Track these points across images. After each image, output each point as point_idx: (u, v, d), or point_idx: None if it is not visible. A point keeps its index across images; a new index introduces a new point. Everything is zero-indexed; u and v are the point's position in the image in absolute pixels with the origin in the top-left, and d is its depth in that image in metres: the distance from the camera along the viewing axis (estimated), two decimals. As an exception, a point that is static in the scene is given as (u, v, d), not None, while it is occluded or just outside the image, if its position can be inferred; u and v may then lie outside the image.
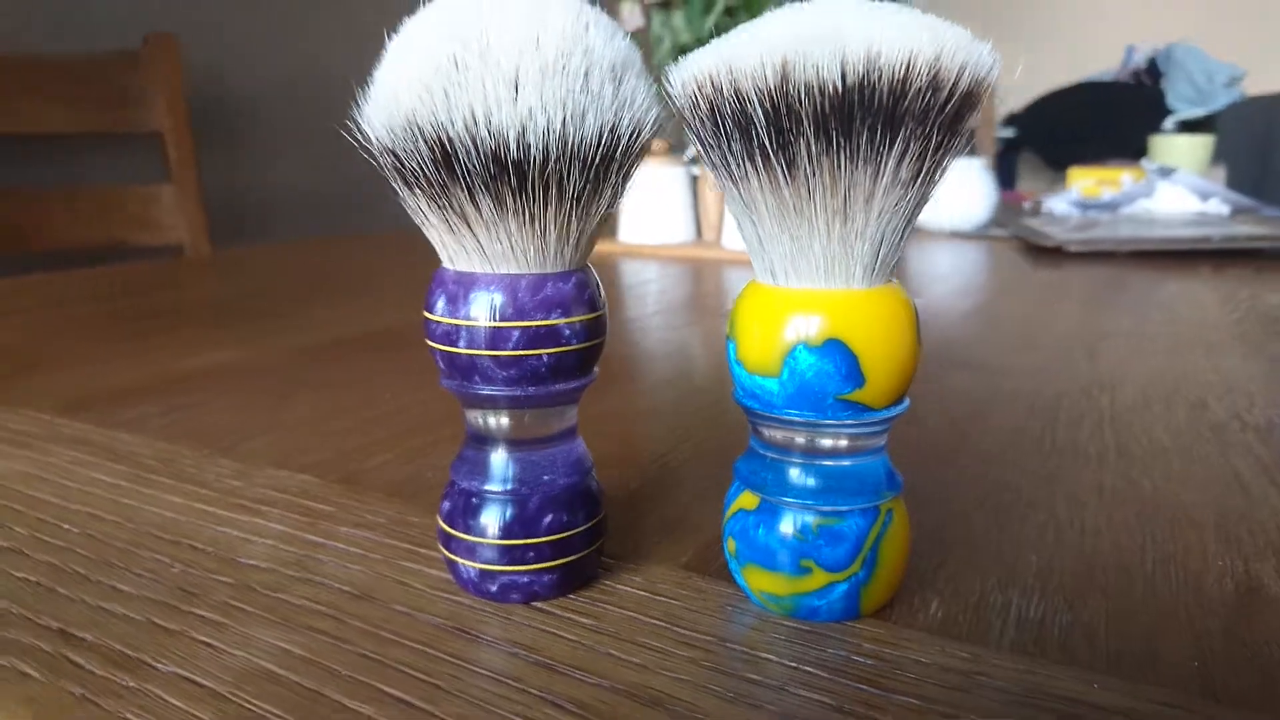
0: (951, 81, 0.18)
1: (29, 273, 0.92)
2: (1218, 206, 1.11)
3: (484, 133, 0.19)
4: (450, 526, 0.23)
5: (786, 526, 0.22)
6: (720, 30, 0.76)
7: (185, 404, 0.42)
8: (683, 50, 1.05)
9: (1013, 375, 0.46)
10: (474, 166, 0.19)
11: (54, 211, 1.26)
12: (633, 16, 1.10)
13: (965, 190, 1.10)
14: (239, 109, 1.64)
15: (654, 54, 1.11)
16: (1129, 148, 1.68)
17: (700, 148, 0.21)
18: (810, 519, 0.22)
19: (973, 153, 2.01)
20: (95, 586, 0.24)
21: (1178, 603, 0.23)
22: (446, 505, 0.23)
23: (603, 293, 0.23)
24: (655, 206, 0.99)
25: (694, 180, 1.01)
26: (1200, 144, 1.33)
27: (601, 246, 1.01)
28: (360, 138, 0.21)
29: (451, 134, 0.19)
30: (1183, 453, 0.34)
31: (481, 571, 0.23)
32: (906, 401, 0.22)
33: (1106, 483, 0.31)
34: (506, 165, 0.19)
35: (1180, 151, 1.32)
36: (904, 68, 0.18)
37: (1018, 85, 2.51)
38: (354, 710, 0.19)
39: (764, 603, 0.23)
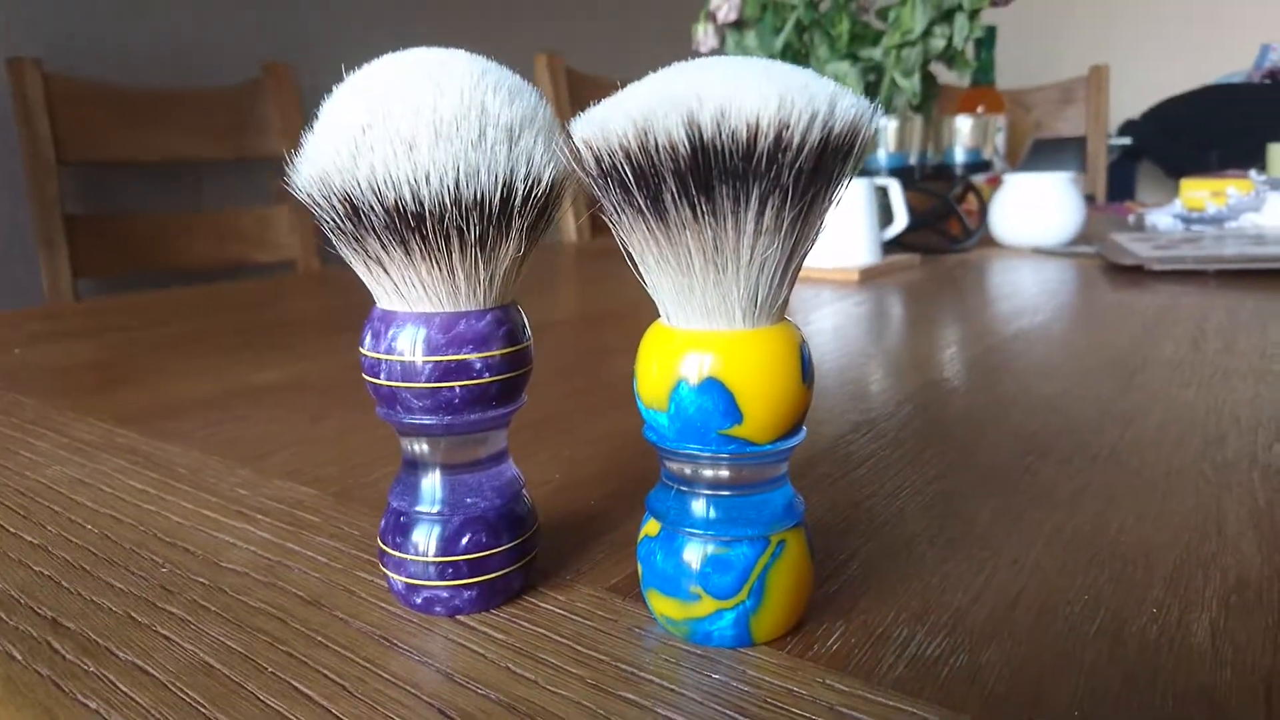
0: (798, 139, 0.19)
1: (161, 288, 1.02)
2: (1337, 220, 1.03)
3: (384, 189, 0.21)
4: (384, 543, 0.25)
5: (679, 553, 0.23)
6: (791, 49, 0.77)
7: (231, 418, 0.46)
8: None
9: (1027, 403, 0.45)
10: (378, 220, 0.21)
11: (183, 232, 1.37)
12: (708, 38, 1.12)
13: (1048, 205, 1.06)
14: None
15: (727, 74, 1.12)
16: (1258, 156, 1.57)
17: (600, 199, 0.23)
18: (701, 547, 0.23)
19: (1082, 166, 1.92)
20: (94, 582, 0.28)
21: (1087, 649, 0.23)
22: (383, 522, 0.26)
23: (527, 328, 0.25)
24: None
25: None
26: (1326, 151, 1.23)
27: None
28: (293, 191, 0.23)
29: (357, 190, 0.21)
30: (1171, 492, 0.33)
31: (408, 585, 0.25)
32: (802, 434, 0.23)
33: (1072, 522, 0.30)
34: (407, 218, 0.21)
35: (1302, 160, 1.22)
36: (748, 127, 0.19)
37: (1138, 90, 2.38)
38: (265, 703, 0.21)
39: (665, 626, 0.24)
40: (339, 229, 0.22)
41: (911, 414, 0.44)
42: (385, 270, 0.23)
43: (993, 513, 0.31)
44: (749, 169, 0.19)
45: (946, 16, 1.04)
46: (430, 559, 0.24)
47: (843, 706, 0.20)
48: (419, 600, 0.25)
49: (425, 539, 0.24)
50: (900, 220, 0.99)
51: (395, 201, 0.21)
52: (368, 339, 0.24)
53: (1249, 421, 0.41)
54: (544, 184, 0.22)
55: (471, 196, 0.21)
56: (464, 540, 0.24)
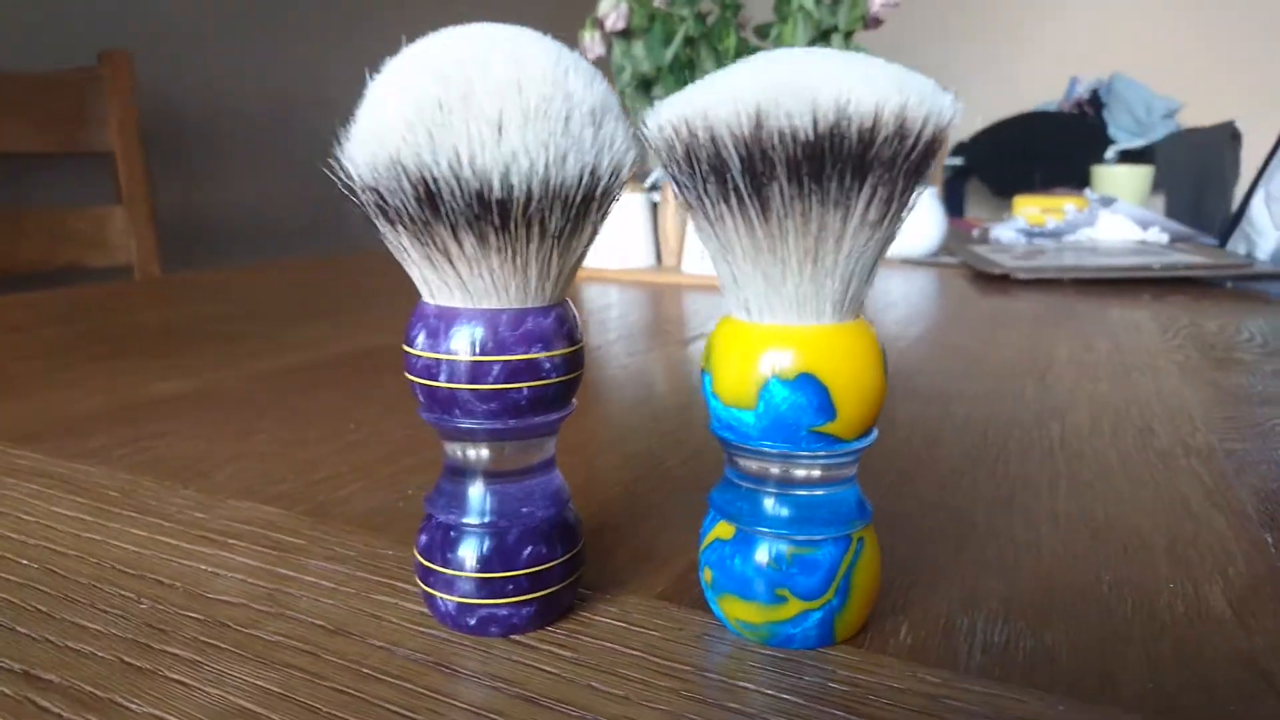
0: (917, 130, 0.19)
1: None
2: (1157, 235, 1.16)
3: (468, 173, 0.19)
4: (428, 560, 0.23)
5: (762, 556, 0.22)
6: (679, 61, 0.77)
7: (147, 434, 0.41)
8: (644, 80, 1.05)
9: (964, 402, 0.47)
10: (457, 206, 0.20)
11: (2, 232, 1.22)
12: (594, 45, 1.12)
13: (916, 218, 1.13)
14: (194, 129, 1.62)
15: (615, 82, 1.12)
16: (1073, 177, 1.74)
17: (677, 188, 0.22)
18: (785, 548, 0.22)
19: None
20: (59, 624, 0.24)
21: (1132, 625, 0.24)
22: (424, 539, 0.24)
23: (580, 326, 0.24)
24: (616, 231, 1.00)
25: (654, 206, 1.02)
26: (1140, 174, 1.38)
27: (562, 271, 1.01)
28: (342, 174, 0.21)
29: (436, 174, 0.19)
30: (1132, 478, 0.35)
31: (460, 605, 0.23)
32: (875, 433, 0.23)
33: (1060, 509, 0.32)
34: (490, 205, 0.20)
35: (1121, 181, 1.37)
36: (872, 118, 0.19)
37: (968, 114, 2.58)
38: (334, 747, 0.19)
39: (740, 631, 0.23)
40: (404, 217, 0.20)
41: (865, 413, 0.45)
42: (451, 262, 0.21)
43: (984, 502, 0.33)
44: (867, 160, 0.19)
45: (824, 36, 1.09)
46: (489, 575, 0.22)
47: (946, 698, 0.21)
48: (472, 621, 0.23)
49: (481, 553, 0.23)
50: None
51: (479, 188, 0.19)
52: (420, 338, 0.22)
53: (1163, 413, 0.44)
54: (624, 172, 0.21)
55: (559, 184, 0.20)
56: (524, 553, 0.23)
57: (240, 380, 0.52)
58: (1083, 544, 0.29)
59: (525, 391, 0.22)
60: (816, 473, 0.22)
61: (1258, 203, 0.90)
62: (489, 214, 0.20)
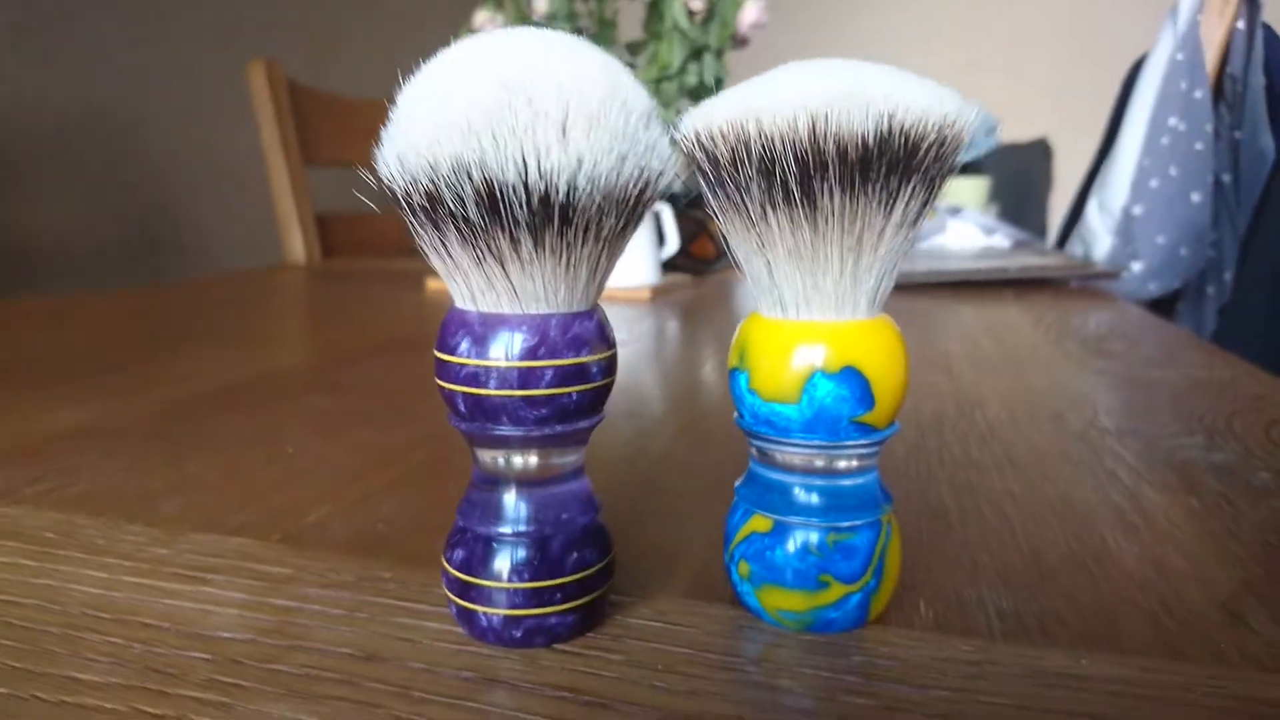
0: (954, 136, 0.20)
1: None
2: (1000, 240, 1.26)
3: (534, 177, 0.19)
4: (468, 574, 0.22)
5: (804, 545, 0.23)
6: None
7: (54, 470, 0.37)
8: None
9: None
10: (520, 210, 0.19)
11: None
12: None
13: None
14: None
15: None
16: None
17: (710, 189, 0.23)
18: (825, 536, 0.23)
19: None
20: (45, 680, 0.21)
21: (1116, 584, 0.26)
22: (460, 553, 0.23)
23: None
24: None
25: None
26: (979, 185, 1.50)
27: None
28: (387, 175, 0.20)
29: (501, 178, 0.19)
30: (1062, 459, 0.39)
31: (505, 618, 0.22)
32: (898, 423, 0.24)
33: (1014, 489, 0.35)
34: (553, 209, 0.20)
35: (963, 192, 1.49)
36: (918, 125, 0.20)
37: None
38: (417, 774, 0.18)
39: (779, 621, 0.24)
40: (458, 221, 0.20)
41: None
42: (504, 267, 0.20)
43: (945, 487, 0.35)
44: (912, 164, 0.20)
45: (696, 55, 1.13)
46: (537, 584, 0.22)
47: (985, 662, 0.22)
48: (518, 633, 0.22)
49: (528, 562, 0.22)
50: (672, 243, 1.05)
51: (545, 191, 0.19)
52: (463, 345, 0.21)
53: (1065, 400, 0.49)
54: (668, 174, 0.22)
55: (619, 187, 0.20)
56: (570, 560, 0.23)
57: (138, 412, 0.48)
58: (1046, 519, 0.32)
59: (574, 396, 0.22)
60: (854, 462, 0.23)
61: (1092, 210, 1.00)
62: (550, 218, 0.20)
